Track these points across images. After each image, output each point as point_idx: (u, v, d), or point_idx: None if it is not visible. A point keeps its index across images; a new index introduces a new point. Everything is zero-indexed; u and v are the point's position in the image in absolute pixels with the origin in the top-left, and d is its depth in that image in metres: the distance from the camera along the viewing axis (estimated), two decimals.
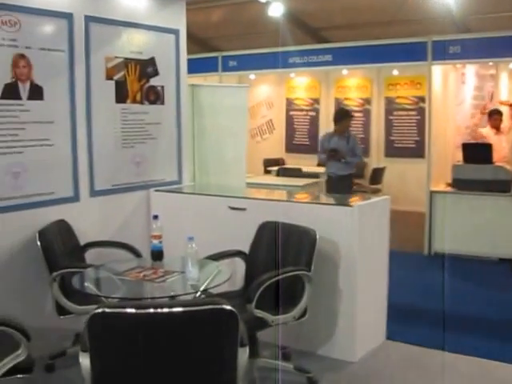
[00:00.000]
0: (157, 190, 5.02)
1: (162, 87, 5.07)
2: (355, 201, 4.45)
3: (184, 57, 5.28)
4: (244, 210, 4.51)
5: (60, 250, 4.12)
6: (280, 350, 4.15)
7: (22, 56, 4.15)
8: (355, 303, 4.14)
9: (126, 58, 4.79)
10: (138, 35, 4.88)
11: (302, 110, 11.54)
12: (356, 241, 4.09)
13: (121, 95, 4.78)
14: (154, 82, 5.00)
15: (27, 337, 3.01)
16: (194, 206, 4.85)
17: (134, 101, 4.87)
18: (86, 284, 3.54)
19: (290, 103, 11.64)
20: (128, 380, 2.50)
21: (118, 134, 4.79)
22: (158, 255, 3.79)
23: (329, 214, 4.21)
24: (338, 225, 4.11)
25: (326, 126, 10.03)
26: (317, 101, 11.32)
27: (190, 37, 5.48)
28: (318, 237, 3.84)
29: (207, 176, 5.72)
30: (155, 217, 3.82)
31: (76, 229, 4.39)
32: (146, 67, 4.95)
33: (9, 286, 4.11)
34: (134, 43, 4.85)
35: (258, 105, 11.34)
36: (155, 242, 3.78)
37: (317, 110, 11.34)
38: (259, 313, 3.55)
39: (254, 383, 3.74)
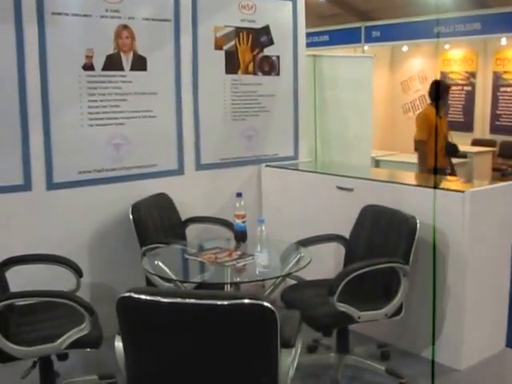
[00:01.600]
0: (267, 166, 4.84)
1: (278, 57, 4.81)
2: (471, 186, 3.95)
3: (302, 25, 4.97)
4: (351, 190, 4.18)
5: (155, 224, 4.04)
6: (378, 348, 3.81)
7: (125, 27, 4.10)
8: (464, 303, 3.64)
9: (238, 27, 4.59)
10: (250, 3, 4.66)
11: (457, 85, 10.73)
12: (467, 232, 3.57)
13: (231, 66, 4.59)
14: (268, 51, 4.76)
15: (90, 312, 2.99)
16: (302, 184, 4.58)
17: (246, 72, 4.67)
18: (155, 262, 3.43)
19: (444, 77, 10.90)
20: (156, 369, 2.33)
21: (227, 106, 4.62)
22: (241, 236, 3.57)
23: (437, 200, 3.74)
24: (446, 213, 3.60)
25: (483, 102, 9.27)
26: (473, 74, 10.53)
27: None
28: (418, 225, 3.40)
29: (330, 152, 5.43)
30: (239, 194, 3.59)
31: (178, 203, 4.31)
32: (260, 36, 4.71)
33: (104, 258, 4.11)
34: (246, 11, 4.67)
35: (410, 79, 10.78)
36: (238, 221, 3.57)
37: (473, 85, 10.55)
38: (342, 307, 3.20)
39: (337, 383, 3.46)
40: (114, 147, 4.15)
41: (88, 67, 3.97)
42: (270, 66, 4.79)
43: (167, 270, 3.35)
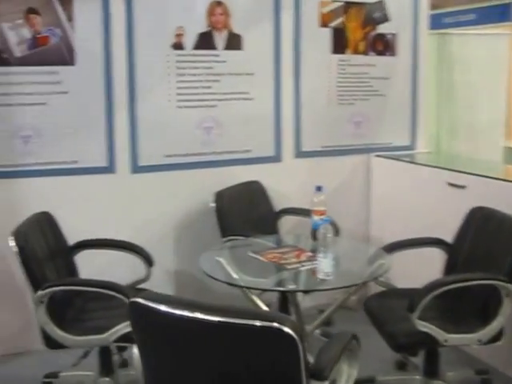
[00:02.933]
0: (378, 156, 4.38)
1: (394, 35, 4.32)
2: None
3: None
4: (463, 187, 3.63)
5: (241, 214, 3.78)
6: (477, 375, 3.22)
7: (219, 3, 3.86)
8: None
9: (347, 2, 4.16)
10: None
11: None
12: None
13: (339, 44, 4.17)
14: (382, 29, 4.28)
15: None
16: (411, 178, 4.04)
17: (356, 51, 4.22)
18: (218, 259, 3.16)
19: None
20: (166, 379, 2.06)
21: (333, 88, 4.21)
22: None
23: None
24: None
25: None
26: None
27: None
28: None
29: (455, 143, 4.85)
30: (318, 188, 3.21)
31: (273, 193, 4.02)
32: (373, 12, 4.24)
33: (182, 247, 3.93)
34: None
35: None
36: (316, 218, 3.19)
37: None
38: (425, 326, 2.67)
39: None
40: (205, 130, 3.94)
41: (178, 46, 3.79)
42: (384, 45, 4.30)
43: (227, 268, 3.08)
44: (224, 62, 3.90)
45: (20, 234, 2.89)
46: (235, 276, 3.01)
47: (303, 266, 2.90)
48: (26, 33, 3.51)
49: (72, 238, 3.36)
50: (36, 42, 3.54)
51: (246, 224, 3.78)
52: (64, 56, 3.59)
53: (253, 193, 4.00)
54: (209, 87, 3.89)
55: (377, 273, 2.96)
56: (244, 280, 2.98)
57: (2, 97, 3.52)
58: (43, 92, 3.57)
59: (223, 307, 1.83)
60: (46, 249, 3.08)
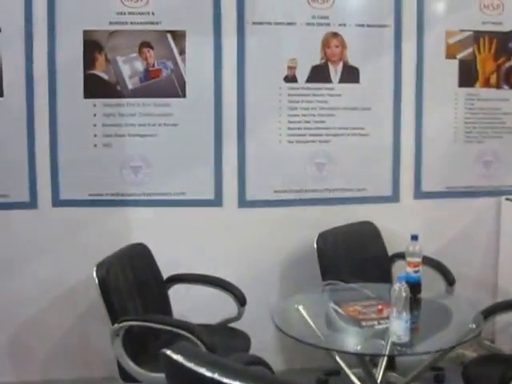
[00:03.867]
0: (508, 199, 3.91)
1: None
2: None
3: None
4: None
5: (344, 256, 3.52)
6: None
7: (335, 35, 3.71)
8: None
9: (477, 31, 3.82)
10: (495, 1, 3.81)
11: None
12: None
13: (466, 77, 3.84)
14: None
15: (211, 350, 2.67)
16: None
17: (487, 84, 3.86)
18: (297, 306, 2.92)
19: None
20: None
21: (459, 125, 3.85)
22: (412, 288, 2.77)
23: None
24: None
25: None
26: None
27: None
28: None
29: None
30: (414, 237, 2.91)
31: (387, 235, 3.72)
32: (508, 41, 3.88)
33: (285, 287, 3.73)
34: (489, 12, 3.85)
35: None
36: (409, 270, 2.90)
37: None
38: None
39: None
40: (316, 166, 3.78)
41: (290, 79, 3.68)
42: None
43: (306, 318, 2.85)
44: (339, 95, 3.73)
45: (102, 265, 2.90)
46: (304, 330, 2.75)
47: (380, 324, 2.62)
48: (139, 66, 3.59)
49: (171, 270, 3.36)
50: (148, 74, 3.60)
51: (351, 268, 3.53)
52: (175, 88, 3.62)
53: (364, 234, 3.74)
54: (322, 122, 3.73)
55: (463, 339, 2.59)
56: (313, 335, 2.69)
57: (115, 127, 3.60)
58: (154, 124, 3.61)
59: (249, 373, 1.63)
60: (133, 281, 3.07)
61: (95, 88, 3.59)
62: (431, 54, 3.79)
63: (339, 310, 2.81)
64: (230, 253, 3.71)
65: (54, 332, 3.67)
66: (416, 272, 2.91)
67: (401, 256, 3.68)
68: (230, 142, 3.67)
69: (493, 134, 3.91)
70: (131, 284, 3.06)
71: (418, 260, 2.92)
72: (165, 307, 3.30)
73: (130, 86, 3.59)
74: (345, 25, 3.70)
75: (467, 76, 3.86)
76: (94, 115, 3.58)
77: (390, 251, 3.73)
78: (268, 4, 3.65)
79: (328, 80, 3.72)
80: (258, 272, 3.72)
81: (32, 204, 3.58)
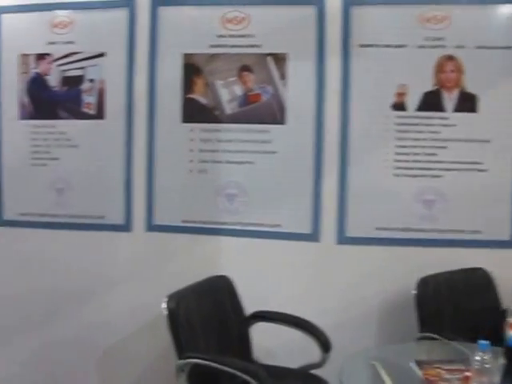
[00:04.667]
0: None
1: None
2: None
3: None
4: None
5: (446, 306, 3.08)
6: None
7: (451, 58, 3.34)
8: None
9: None
10: None
11: None
12: None
13: None
14: None
15: None
16: None
17: None
18: (373, 362, 2.56)
19: None
20: None
21: None
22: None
23: None
24: None
25: None
26: None
27: None
28: None
29: None
30: None
31: (504, 285, 3.23)
32: None
33: (375, 336, 3.38)
34: None
35: None
36: (510, 333, 2.47)
37: None
38: None
39: None
40: (425, 204, 3.39)
41: (398, 106, 3.37)
42: None
43: (382, 377, 2.48)
44: (453, 125, 3.34)
45: (174, 297, 2.79)
46: None
47: None
48: (238, 90, 3.48)
49: (258, 306, 3.19)
50: (247, 99, 3.47)
51: (454, 322, 3.11)
52: (275, 114, 3.45)
53: (474, 283, 3.28)
54: (433, 154, 3.36)
55: None
56: None
57: (211, 153, 3.50)
58: (252, 150, 3.47)
59: None
60: (208, 316, 2.96)
61: (193, 112, 3.52)
62: None
63: (418, 372, 2.47)
64: (324, 292, 3.45)
65: (141, 358, 3.64)
66: None
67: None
68: (331, 173, 3.42)
69: None
70: (206, 318, 2.93)
71: None
72: (243, 345, 3.13)
73: (228, 111, 3.49)
74: (463, 47, 3.32)
75: None
76: (191, 140, 3.55)
77: (505, 304, 3.32)
78: (376, 25, 3.37)
79: (441, 108, 3.34)
80: (351, 316, 3.42)
81: (126, 227, 3.63)
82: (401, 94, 3.38)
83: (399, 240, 3.41)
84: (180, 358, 2.70)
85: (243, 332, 3.15)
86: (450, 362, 2.54)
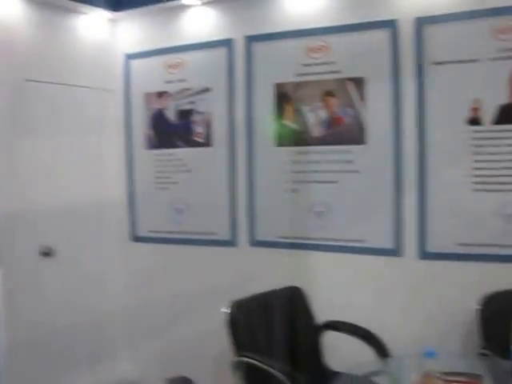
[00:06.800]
0: None
1: None
2: None
3: None
4: None
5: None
6: None
7: None
8: None
9: None
10: None
11: None
12: None
13: None
14: None
15: None
16: None
17: None
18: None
19: None
20: None
21: None
22: None
23: None
24: None
25: None
26: None
27: None
28: None
29: None
30: None
31: None
32: None
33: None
34: None
35: None
36: None
37: None
38: None
39: None
40: (508, 219, 3.29)
41: (474, 121, 3.32)
42: None
43: None
44: None
45: (235, 303, 3.16)
46: None
47: None
48: (323, 114, 3.69)
49: (336, 317, 3.39)
50: (331, 122, 3.68)
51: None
52: (356, 135, 3.61)
53: None
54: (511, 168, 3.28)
55: None
56: None
57: (302, 174, 3.77)
58: (336, 170, 3.67)
59: None
60: (272, 322, 3.23)
61: (285, 136, 3.82)
62: None
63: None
64: (405, 305, 3.50)
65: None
66: None
67: None
68: (410, 190, 3.48)
69: None
70: (270, 324, 3.23)
71: None
72: (314, 351, 3.36)
73: (315, 134, 3.72)
74: None
75: None
76: (284, 162, 3.83)
77: None
78: (448, 41, 3.36)
79: None
80: (434, 330, 3.43)
81: (233, 242, 4.02)
82: (476, 109, 3.33)
83: (482, 256, 3.33)
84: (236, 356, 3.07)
85: (314, 339, 3.39)
86: (461, 374, 2.57)
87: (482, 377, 2.55)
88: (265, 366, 2.94)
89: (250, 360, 3.02)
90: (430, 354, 2.32)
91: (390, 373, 2.71)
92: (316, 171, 3.73)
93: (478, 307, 3.11)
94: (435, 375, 2.53)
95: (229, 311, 3.12)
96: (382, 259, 3.60)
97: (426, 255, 3.49)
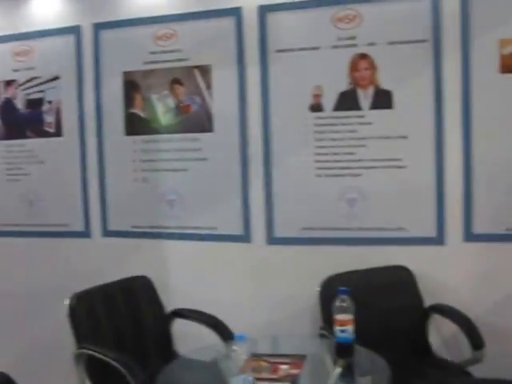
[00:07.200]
0: None
1: None
2: None
3: None
4: None
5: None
6: None
7: (364, 56, 3.32)
8: None
9: None
10: None
11: None
12: None
13: None
14: None
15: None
16: None
17: None
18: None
19: None
20: None
21: None
22: (342, 351, 2.46)
23: None
24: None
25: None
26: None
27: None
28: None
29: None
30: (343, 291, 2.50)
31: (427, 283, 3.19)
32: None
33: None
34: None
35: None
36: (337, 329, 2.49)
37: None
38: None
39: None
40: (348, 203, 3.41)
41: (316, 108, 3.40)
42: None
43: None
44: (370, 123, 3.31)
45: (74, 296, 3.06)
46: None
47: None
48: (171, 102, 3.67)
49: (190, 305, 3.35)
50: (179, 110, 3.67)
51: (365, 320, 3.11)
52: (203, 123, 3.62)
53: (395, 281, 3.25)
54: (352, 153, 3.35)
55: None
56: None
57: (150, 163, 3.73)
58: (186, 158, 3.66)
59: None
60: (117, 312, 3.17)
61: (134, 125, 3.77)
62: (480, 69, 3.14)
63: (241, 363, 2.46)
64: (256, 289, 3.55)
65: None
66: (343, 332, 2.48)
67: (438, 310, 3.20)
68: (257, 177, 3.53)
69: None
70: (115, 315, 3.17)
71: (347, 317, 2.48)
72: (163, 339, 3.32)
73: (163, 123, 3.70)
74: (374, 44, 3.28)
75: None
76: (134, 151, 3.79)
77: (428, 303, 3.21)
78: (291, 30, 3.43)
79: (357, 107, 3.33)
80: (283, 313, 3.48)
81: (86, 233, 3.92)
82: (317, 96, 3.41)
83: (325, 239, 3.43)
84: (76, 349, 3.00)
85: (162, 328, 3.35)
86: (287, 356, 2.62)
87: (306, 357, 2.62)
88: (103, 357, 2.92)
89: (89, 352, 2.98)
90: (239, 338, 2.36)
91: (220, 356, 2.72)
92: (166, 160, 3.72)
93: (318, 289, 3.19)
94: (262, 358, 2.61)
95: (68, 303, 3.09)
96: (233, 246, 3.62)
97: (273, 240, 3.54)
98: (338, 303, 2.53)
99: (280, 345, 3.13)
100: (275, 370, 2.45)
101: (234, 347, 2.38)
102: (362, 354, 2.63)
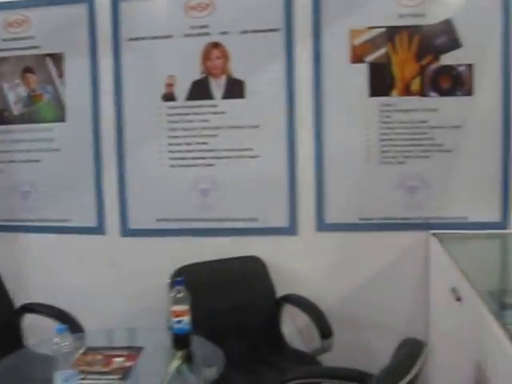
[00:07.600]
0: (440, 235, 2.97)
1: (469, 67, 3.01)
2: None
3: None
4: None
5: (206, 296, 2.98)
6: None
7: (216, 45, 3.27)
8: None
9: (392, 27, 3.07)
10: None
11: None
12: None
13: (380, 84, 3.10)
14: (450, 59, 3.04)
15: None
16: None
17: (407, 92, 3.07)
18: None
19: None
20: None
21: (373, 143, 3.13)
22: (178, 341, 2.41)
23: None
24: None
25: None
26: None
27: None
28: None
29: None
30: (178, 282, 2.45)
31: (280, 273, 3.17)
32: (434, 37, 3.04)
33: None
34: (407, 2, 3.07)
35: None
36: (173, 320, 2.43)
37: None
38: None
39: None
40: (201, 193, 3.35)
41: (169, 97, 3.33)
42: (452, 82, 3.04)
43: None
44: (222, 113, 3.27)
45: None
46: None
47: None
48: (23, 91, 3.53)
49: (43, 299, 3.16)
50: (31, 99, 3.53)
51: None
52: (56, 113, 3.49)
53: (247, 271, 3.21)
54: (205, 143, 3.30)
55: None
56: None
57: (5, 154, 3.57)
58: (38, 149, 3.52)
59: None
60: None
61: None
62: (332, 58, 3.14)
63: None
64: (112, 280, 3.45)
65: None
66: (179, 322, 2.42)
67: (291, 300, 3.17)
68: (109, 167, 3.44)
69: (418, 153, 3.09)
70: None
71: (183, 308, 2.41)
72: (15, 337, 3.14)
73: (15, 112, 3.54)
74: (227, 33, 3.24)
75: (380, 83, 3.12)
76: None
77: (280, 293, 3.18)
78: (144, 18, 3.34)
79: (210, 96, 3.28)
80: (137, 309, 3.37)
81: None
82: (170, 85, 3.34)
83: (179, 230, 3.36)
84: None
85: (13, 324, 3.16)
86: (124, 348, 2.54)
87: (142, 349, 2.54)
88: None
89: None
90: (59, 330, 2.25)
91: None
92: (20, 150, 3.54)
93: (168, 281, 3.10)
94: (98, 351, 2.52)
95: None
96: (88, 238, 3.50)
97: (127, 232, 3.45)
98: (173, 294, 2.47)
99: (130, 337, 3.00)
100: (108, 363, 2.36)
101: (56, 340, 2.28)
102: (200, 345, 2.60)
